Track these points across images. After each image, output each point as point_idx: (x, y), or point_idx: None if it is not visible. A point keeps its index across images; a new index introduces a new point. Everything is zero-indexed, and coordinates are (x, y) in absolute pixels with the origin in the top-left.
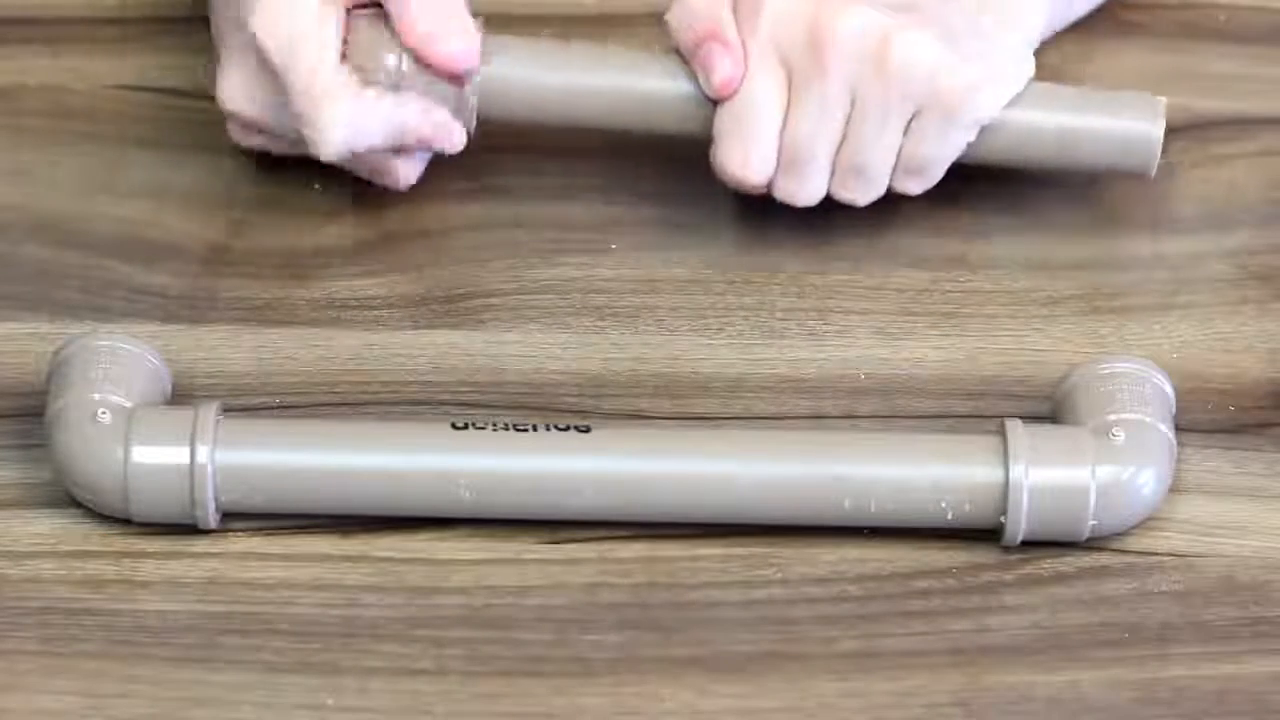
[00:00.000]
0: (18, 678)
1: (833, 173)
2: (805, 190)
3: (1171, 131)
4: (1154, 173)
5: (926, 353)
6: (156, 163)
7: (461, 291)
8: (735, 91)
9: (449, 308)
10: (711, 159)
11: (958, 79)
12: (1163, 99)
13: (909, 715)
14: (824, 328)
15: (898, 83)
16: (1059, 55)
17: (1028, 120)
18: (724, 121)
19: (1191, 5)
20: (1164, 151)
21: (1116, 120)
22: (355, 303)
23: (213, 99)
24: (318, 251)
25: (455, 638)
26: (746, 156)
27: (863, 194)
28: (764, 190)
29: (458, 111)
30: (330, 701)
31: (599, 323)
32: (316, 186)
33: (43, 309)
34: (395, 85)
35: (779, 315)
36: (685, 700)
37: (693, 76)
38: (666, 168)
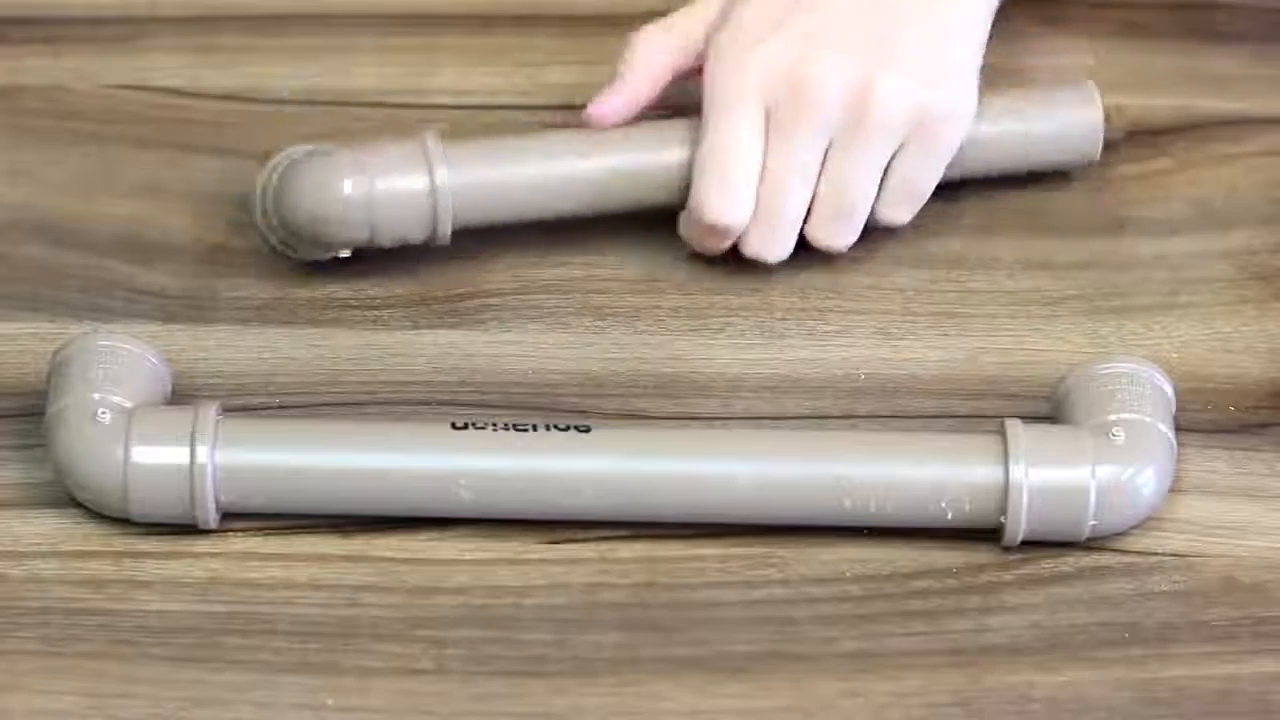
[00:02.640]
0: (18, 678)
1: (809, 219)
2: (776, 243)
3: (1171, 131)
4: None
5: (926, 353)
6: (156, 163)
7: (461, 291)
8: (601, 122)
9: (449, 308)
10: (689, 205)
11: (937, 112)
12: (1093, 84)
13: (909, 715)
14: (824, 328)
15: (881, 125)
16: (1059, 55)
17: (981, 133)
18: (704, 161)
19: (1191, 5)
20: (1164, 151)
21: (1060, 117)
22: (355, 303)
23: (214, 99)
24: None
25: (455, 638)
26: (724, 195)
27: (842, 235)
28: (733, 237)
29: (430, 225)
30: (330, 701)
31: (599, 323)
32: None
33: (43, 309)
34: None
35: (779, 315)
36: (685, 700)
37: (651, 147)
38: None
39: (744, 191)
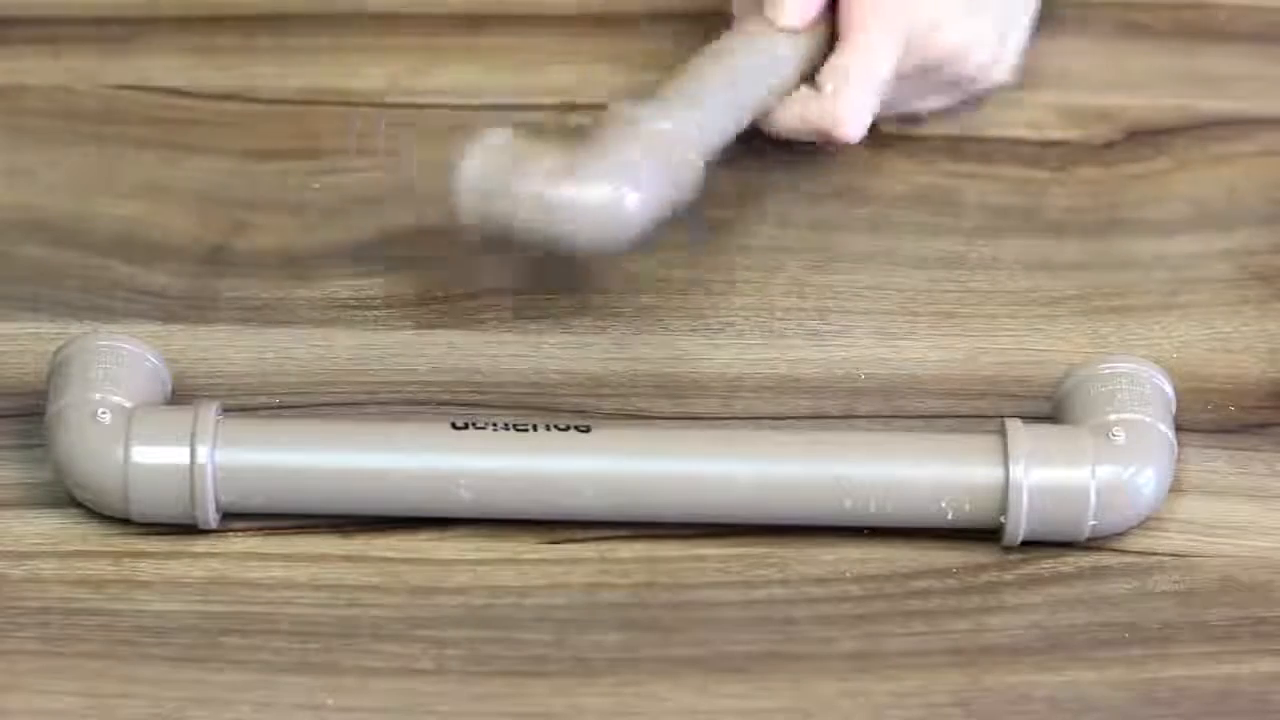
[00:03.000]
0: (18, 678)
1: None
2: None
3: (1171, 131)
4: None
5: (926, 353)
6: (156, 163)
7: (461, 291)
8: (797, 28)
9: (449, 308)
10: (821, 114)
11: (983, 87)
12: None
13: (909, 715)
14: (824, 328)
15: (945, 85)
16: (1059, 55)
17: None
18: (850, 73)
19: (1191, 5)
20: (1164, 151)
21: None
22: (355, 303)
23: (214, 99)
24: (318, 251)
25: (455, 638)
26: (860, 115)
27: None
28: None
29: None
30: (330, 701)
31: (599, 323)
32: (316, 186)
33: (43, 309)
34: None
35: (779, 315)
36: (685, 700)
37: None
38: None
39: (870, 114)
